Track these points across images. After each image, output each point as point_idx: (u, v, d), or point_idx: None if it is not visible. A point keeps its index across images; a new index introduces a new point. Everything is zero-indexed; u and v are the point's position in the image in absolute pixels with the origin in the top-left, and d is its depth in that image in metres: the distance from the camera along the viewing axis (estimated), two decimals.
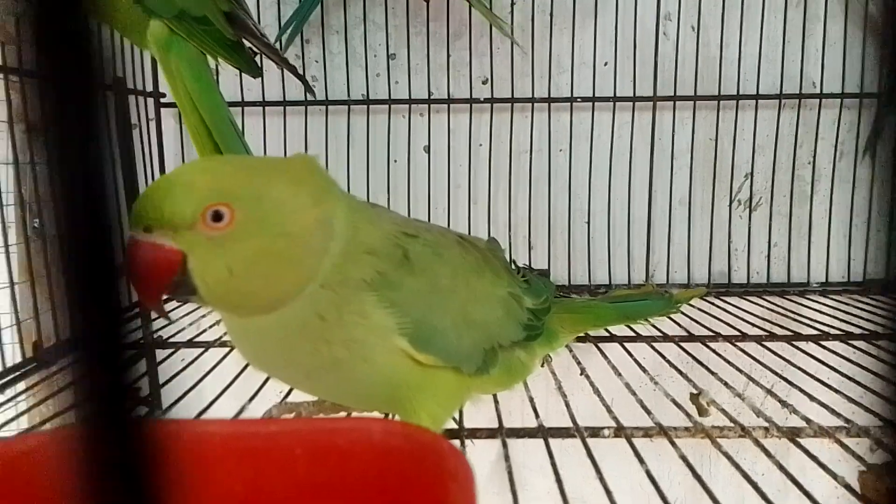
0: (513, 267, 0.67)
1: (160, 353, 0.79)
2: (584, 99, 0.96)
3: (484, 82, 0.97)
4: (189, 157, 0.97)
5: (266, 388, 0.62)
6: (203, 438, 0.32)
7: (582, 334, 0.75)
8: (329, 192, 0.45)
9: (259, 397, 0.60)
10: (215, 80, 0.73)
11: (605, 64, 0.97)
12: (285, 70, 0.94)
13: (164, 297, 0.41)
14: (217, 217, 0.39)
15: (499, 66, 0.96)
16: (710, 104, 0.97)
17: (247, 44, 0.76)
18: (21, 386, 0.64)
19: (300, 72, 0.86)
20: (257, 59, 0.79)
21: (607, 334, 0.77)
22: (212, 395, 0.61)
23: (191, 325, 0.83)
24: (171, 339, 0.76)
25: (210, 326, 0.80)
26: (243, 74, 0.95)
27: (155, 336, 0.81)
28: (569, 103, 0.97)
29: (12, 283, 0.65)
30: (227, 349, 0.73)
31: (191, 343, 0.75)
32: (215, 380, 0.65)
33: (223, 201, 0.39)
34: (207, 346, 0.74)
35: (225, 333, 0.76)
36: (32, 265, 0.68)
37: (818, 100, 0.96)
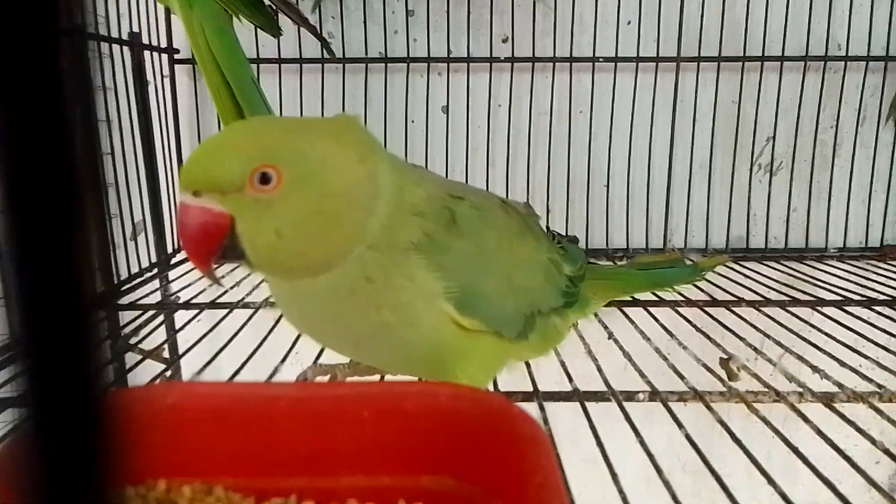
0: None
1: (181, 315, 0.78)
2: (607, 59, 0.94)
3: (504, 41, 0.95)
4: (204, 114, 0.95)
5: (297, 350, 0.61)
6: (270, 400, 0.32)
7: (609, 301, 0.75)
8: (372, 151, 0.43)
9: (290, 359, 0.60)
10: (237, 39, 0.71)
11: (629, 23, 0.95)
12: (300, 30, 0.92)
13: (215, 261, 0.40)
14: (265, 179, 0.38)
15: (520, 24, 0.94)
16: (735, 66, 0.95)
17: (266, 1, 0.73)
18: None
19: (317, 29, 0.84)
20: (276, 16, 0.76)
21: (630, 299, 0.77)
22: (235, 358, 0.61)
23: (211, 286, 0.82)
24: (193, 301, 0.76)
25: (231, 287, 0.79)
26: (259, 31, 0.93)
27: (174, 297, 0.81)
28: (591, 63, 0.95)
29: None
30: (250, 311, 0.72)
31: (213, 304, 0.74)
32: (240, 343, 0.65)
33: (270, 163, 0.38)
34: (231, 307, 0.73)
35: (248, 294, 0.75)
36: None
37: (843, 62, 0.95)
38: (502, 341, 0.49)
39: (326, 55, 0.90)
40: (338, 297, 0.42)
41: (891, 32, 0.94)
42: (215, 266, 0.41)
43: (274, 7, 0.76)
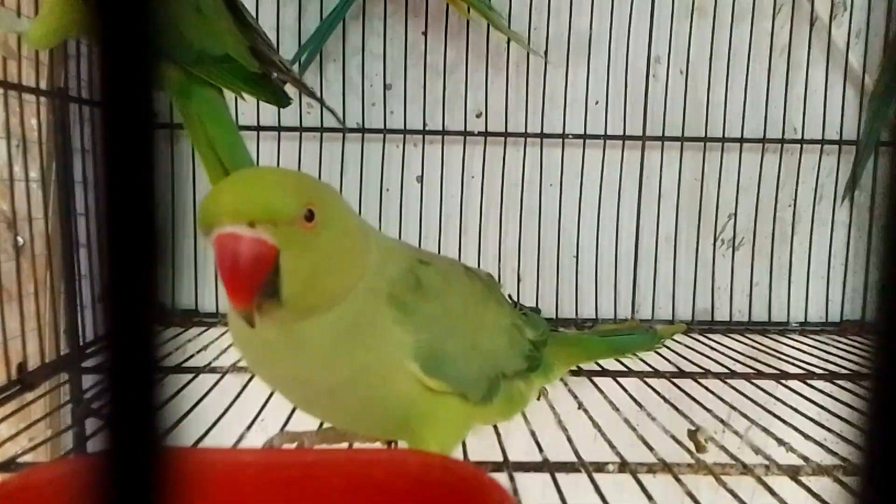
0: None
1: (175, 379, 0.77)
2: (576, 136, 0.98)
3: (478, 116, 0.98)
4: (179, 178, 0.96)
5: (262, 417, 0.60)
6: (238, 467, 0.31)
7: (574, 368, 0.76)
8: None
9: (256, 426, 0.59)
10: (234, 121, 0.71)
11: (597, 103, 0.99)
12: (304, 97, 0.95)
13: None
14: (310, 216, 0.40)
15: (493, 100, 0.98)
16: (697, 145, 1.00)
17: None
18: (3, 410, 0.61)
19: (306, 99, 0.86)
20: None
21: (599, 368, 0.78)
22: (200, 424, 0.60)
23: (177, 349, 0.81)
24: (184, 364, 0.74)
25: (198, 352, 0.78)
26: (238, 99, 0.95)
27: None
28: (561, 139, 0.98)
29: (0, 302, 0.63)
30: (217, 376, 0.71)
31: (179, 368, 0.73)
32: (205, 408, 0.64)
33: (311, 202, 0.40)
34: (197, 371, 0.72)
35: (215, 359, 0.74)
36: (21, 283, 0.65)
37: (799, 145, 1.00)
38: (467, 404, 0.50)
39: (336, 124, 0.92)
40: (327, 339, 0.43)
41: (843, 117, 1.00)
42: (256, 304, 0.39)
43: (282, 80, 0.75)
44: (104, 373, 0.15)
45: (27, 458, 0.57)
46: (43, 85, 0.73)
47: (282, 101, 0.73)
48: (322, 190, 0.44)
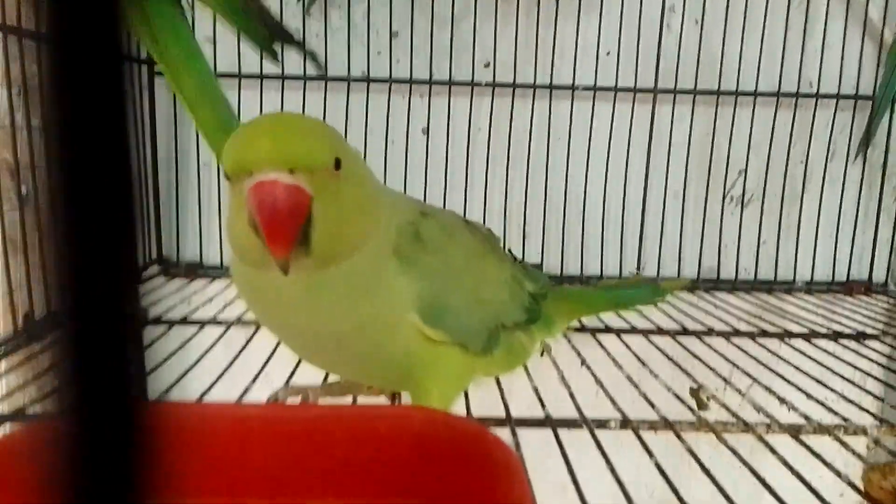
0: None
1: (150, 332, 0.77)
2: (586, 88, 0.96)
3: (486, 66, 0.96)
4: (182, 126, 0.94)
5: (267, 371, 0.61)
6: (242, 421, 0.32)
7: (577, 322, 0.76)
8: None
9: (261, 379, 0.59)
10: (197, 43, 0.64)
11: (608, 53, 0.97)
12: (283, 46, 0.93)
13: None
14: (338, 164, 0.40)
15: (502, 50, 0.95)
16: (709, 99, 0.98)
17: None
18: (10, 360, 0.62)
19: (310, 48, 0.84)
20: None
21: (603, 326, 0.78)
22: (205, 377, 0.60)
23: (182, 302, 0.81)
24: (163, 317, 0.75)
25: (203, 304, 0.79)
26: (241, 44, 0.93)
27: (143, 313, 0.79)
28: (570, 91, 0.96)
29: (5, 252, 0.63)
30: (222, 328, 0.71)
31: (184, 321, 0.73)
32: (210, 361, 0.64)
33: (339, 150, 0.41)
34: (202, 324, 0.72)
35: (220, 311, 0.75)
36: (26, 233, 0.65)
37: (814, 100, 0.97)
38: (467, 355, 0.50)
39: (316, 71, 0.90)
40: (340, 288, 0.43)
41: (860, 72, 0.97)
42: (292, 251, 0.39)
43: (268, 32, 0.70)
44: (68, 329, 0.14)
45: (36, 408, 0.58)
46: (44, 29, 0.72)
47: (271, 52, 0.68)
48: (342, 139, 0.44)
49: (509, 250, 0.78)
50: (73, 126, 0.13)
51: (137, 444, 0.14)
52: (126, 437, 0.14)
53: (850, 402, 0.61)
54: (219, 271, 0.95)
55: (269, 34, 0.66)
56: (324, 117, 0.94)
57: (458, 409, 0.55)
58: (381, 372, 0.50)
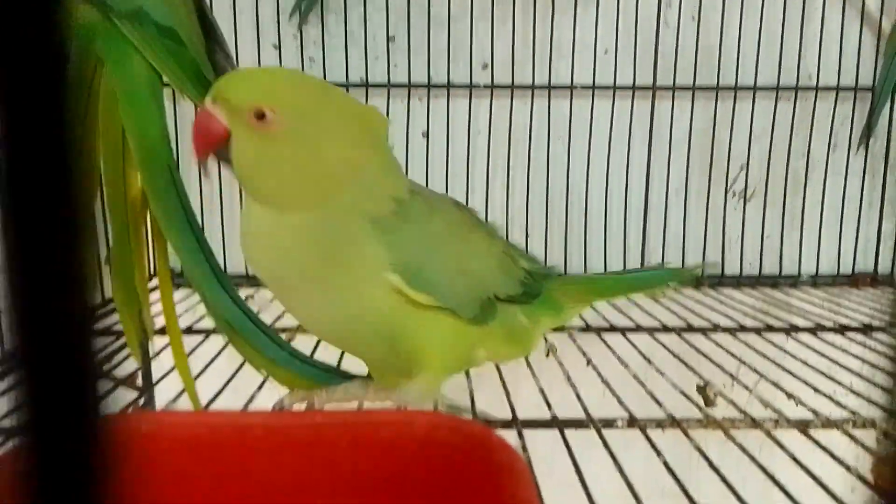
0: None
1: (156, 342, 0.77)
2: (584, 87, 0.96)
3: (484, 67, 0.96)
4: (183, 136, 0.95)
5: (267, 384, 0.61)
6: (245, 429, 0.32)
7: (581, 321, 0.76)
8: (372, 144, 0.49)
9: (266, 386, 0.59)
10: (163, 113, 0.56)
11: (606, 52, 0.97)
12: (281, 54, 0.93)
13: (209, 159, 0.49)
14: (260, 116, 0.45)
15: (499, 51, 0.95)
16: (709, 94, 0.97)
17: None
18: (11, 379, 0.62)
19: (308, 53, 0.84)
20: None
21: (608, 325, 0.77)
22: (211, 385, 0.60)
23: (187, 311, 0.81)
24: (194, 327, 0.75)
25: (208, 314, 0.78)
26: (238, 53, 0.93)
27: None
28: (569, 90, 0.96)
29: None
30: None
31: (189, 330, 0.73)
32: (216, 369, 0.64)
33: (271, 105, 0.45)
34: (207, 333, 0.72)
35: None
36: None
37: (814, 92, 0.97)
38: (461, 322, 0.51)
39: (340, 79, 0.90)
40: (301, 237, 0.48)
41: (860, 63, 0.97)
42: (205, 161, 0.49)
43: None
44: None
45: None
46: None
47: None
48: (298, 101, 0.47)
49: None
50: (12, 150, 0.13)
51: (96, 463, 0.13)
52: (84, 456, 0.13)
53: (859, 395, 0.61)
54: None
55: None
56: None
57: (464, 413, 0.54)
58: (367, 341, 0.52)
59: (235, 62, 0.65)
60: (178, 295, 0.89)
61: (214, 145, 0.47)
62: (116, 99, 0.53)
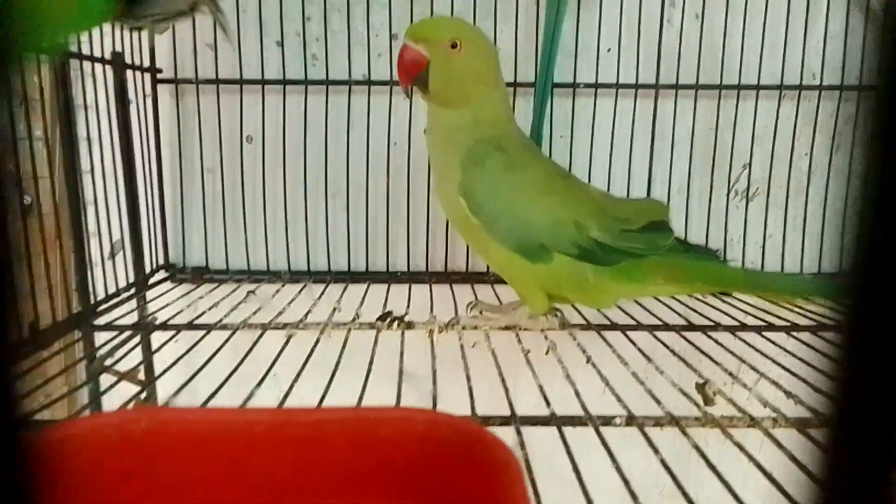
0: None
1: (158, 336, 0.77)
2: (587, 85, 0.96)
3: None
4: (185, 133, 0.95)
5: (274, 372, 0.61)
6: (247, 426, 0.32)
7: (582, 319, 0.76)
8: (500, 84, 0.74)
9: (267, 381, 0.59)
10: None
11: (609, 50, 0.96)
12: (284, 51, 0.93)
13: (409, 86, 0.70)
14: (454, 45, 0.67)
15: (502, 49, 0.95)
16: (712, 93, 0.97)
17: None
18: (16, 369, 0.62)
19: (311, 51, 0.84)
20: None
21: (608, 322, 0.78)
22: (212, 380, 0.60)
23: (188, 307, 0.82)
24: (171, 322, 0.75)
25: (209, 308, 0.79)
26: (242, 50, 0.93)
27: (151, 318, 0.80)
28: (571, 89, 0.96)
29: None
30: (228, 332, 0.72)
31: (191, 325, 0.74)
32: (218, 364, 0.64)
33: (459, 37, 0.68)
34: (209, 328, 0.72)
35: (226, 316, 0.75)
36: (29, 242, 0.66)
37: (818, 91, 0.97)
38: (509, 252, 0.69)
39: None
40: (445, 125, 0.71)
41: (863, 63, 0.96)
42: (408, 87, 0.70)
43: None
44: None
45: (44, 415, 0.58)
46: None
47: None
48: (473, 34, 0.70)
49: (662, 223, 0.76)
50: None
51: (19, 481, 0.13)
52: (6, 474, 0.13)
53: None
54: (224, 275, 0.95)
55: None
56: (326, 120, 0.94)
57: (463, 407, 0.55)
58: (460, 225, 0.72)
59: None
60: (180, 290, 0.90)
61: (417, 71, 0.68)
62: None
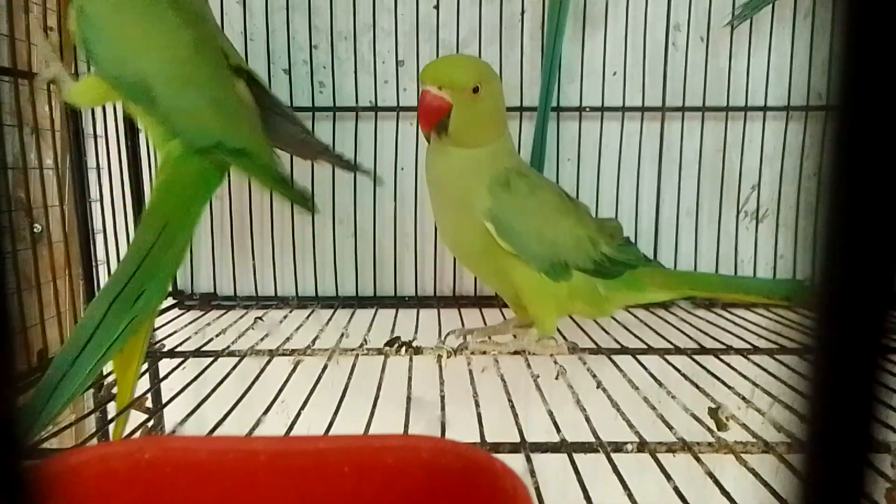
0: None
1: (165, 364, 0.77)
2: (593, 108, 0.96)
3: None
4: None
5: (282, 399, 0.60)
6: (250, 455, 0.31)
7: (591, 343, 0.76)
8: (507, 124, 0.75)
9: (275, 408, 0.59)
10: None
11: (615, 73, 0.97)
12: (292, 79, 0.94)
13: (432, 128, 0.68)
14: (476, 89, 0.67)
15: (508, 74, 0.96)
16: (719, 115, 0.97)
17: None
18: (26, 397, 0.62)
19: (318, 78, 0.85)
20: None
21: (619, 346, 0.77)
22: (220, 407, 0.60)
23: (196, 333, 0.81)
24: (178, 349, 0.75)
25: (216, 335, 0.79)
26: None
27: (158, 345, 0.80)
28: (578, 112, 0.96)
29: (19, 290, 0.63)
30: (235, 359, 0.71)
31: (198, 352, 0.73)
32: (225, 391, 0.64)
33: (481, 81, 0.67)
34: (216, 355, 0.72)
35: (233, 342, 0.75)
36: (38, 270, 0.66)
37: (824, 112, 0.96)
38: (536, 273, 0.71)
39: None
40: (457, 165, 0.70)
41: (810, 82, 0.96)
42: (430, 132, 0.69)
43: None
44: None
45: (52, 443, 0.58)
46: None
47: (307, 205, 0.74)
48: (490, 76, 0.69)
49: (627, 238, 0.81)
50: None
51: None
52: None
53: (874, 419, 0.60)
54: (232, 302, 0.95)
55: (300, 194, 0.74)
56: (333, 146, 0.95)
57: (472, 433, 0.54)
58: (482, 264, 0.74)
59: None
60: (187, 317, 0.90)
61: (440, 117, 0.67)
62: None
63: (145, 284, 0.61)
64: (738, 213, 1.00)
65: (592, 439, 0.55)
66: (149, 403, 0.75)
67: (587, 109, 0.96)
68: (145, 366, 0.77)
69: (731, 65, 0.96)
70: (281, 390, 0.62)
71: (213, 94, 0.67)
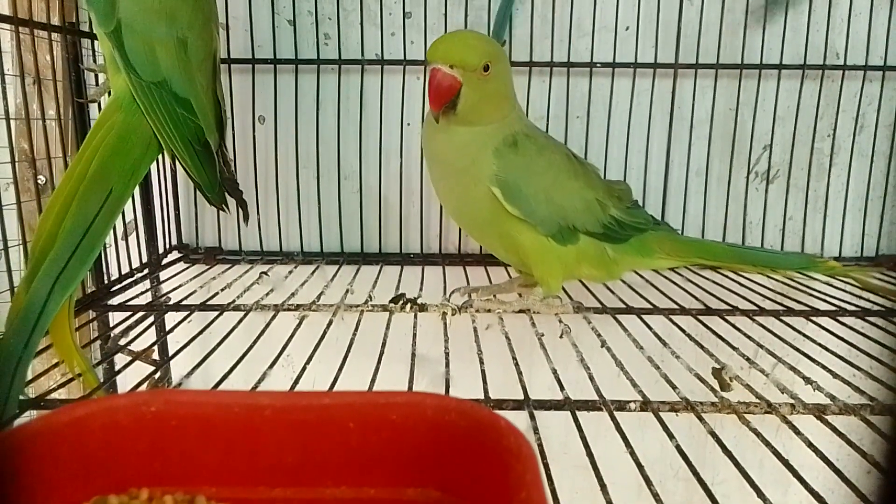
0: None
1: (171, 317, 0.78)
2: (604, 64, 0.94)
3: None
4: None
5: (287, 353, 0.61)
6: (255, 409, 0.32)
7: (597, 303, 0.76)
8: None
9: (281, 362, 0.59)
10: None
11: (627, 29, 0.95)
12: (297, 30, 0.92)
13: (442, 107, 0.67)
14: (486, 68, 0.66)
15: (518, 28, 0.94)
16: (732, 73, 0.95)
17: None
18: None
19: (323, 30, 0.84)
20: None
21: (624, 306, 0.77)
22: (226, 361, 0.60)
23: (202, 287, 0.82)
24: (184, 302, 0.75)
25: (222, 289, 0.79)
26: (254, 31, 0.92)
27: (164, 298, 0.80)
28: (588, 68, 0.94)
29: (24, 240, 0.63)
30: (241, 313, 0.72)
31: (204, 306, 0.74)
32: (231, 345, 0.64)
33: (490, 60, 0.66)
34: (222, 309, 0.72)
35: (239, 296, 0.75)
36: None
37: (841, 71, 0.95)
38: (543, 237, 0.71)
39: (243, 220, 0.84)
40: (462, 140, 0.69)
41: (889, 42, 0.94)
42: (440, 112, 0.68)
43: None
44: None
45: (61, 393, 0.59)
46: (55, 20, 0.72)
47: (213, 192, 0.72)
48: (500, 54, 0.69)
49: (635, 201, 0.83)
50: None
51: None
52: None
53: (877, 380, 0.60)
54: (237, 256, 0.95)
55: (219, 186, 0.73)
56: (338, 100, 0.93)
57: (476, 390, 0.54)
58: (487, 231, 0.73)
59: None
60: (193, 271, 0.90)
61: (451, 96, 0.66)
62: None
63: (86, 260, 0.59)
64: (748, 173, 0.99)
65: (596, 397, 0.55)
66: (155, 356, 0.76)
67: (598, 65, 0.94)
68: (151, 318, 0.78)
69: (748, 21, 0.94)
70: (286, 345, 0.62)
71: (182, 36, 0.65)
